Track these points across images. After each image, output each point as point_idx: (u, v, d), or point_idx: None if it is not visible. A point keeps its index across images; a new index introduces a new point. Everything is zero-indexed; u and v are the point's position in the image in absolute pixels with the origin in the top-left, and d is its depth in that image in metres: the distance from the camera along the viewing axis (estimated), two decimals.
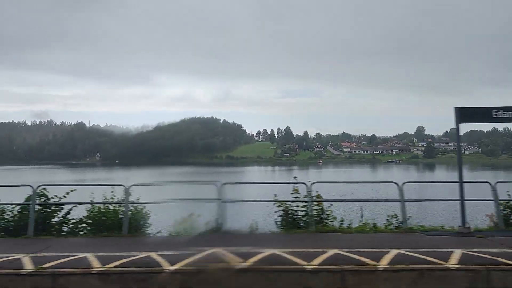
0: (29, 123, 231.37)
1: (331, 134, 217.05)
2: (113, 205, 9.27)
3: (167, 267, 6.00)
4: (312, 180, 9.47)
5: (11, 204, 9.26)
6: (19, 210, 9.33)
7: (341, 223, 9.26)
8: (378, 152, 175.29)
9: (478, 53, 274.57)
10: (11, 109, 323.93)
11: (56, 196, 9.49)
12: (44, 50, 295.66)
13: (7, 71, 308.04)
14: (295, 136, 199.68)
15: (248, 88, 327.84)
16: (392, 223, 9.24)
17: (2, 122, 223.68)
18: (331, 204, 9.57)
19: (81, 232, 9.43)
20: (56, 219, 9.49)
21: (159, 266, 6.05)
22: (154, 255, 6.58)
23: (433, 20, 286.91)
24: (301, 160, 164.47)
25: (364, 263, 5.96)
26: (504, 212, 9.23)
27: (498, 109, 8.30)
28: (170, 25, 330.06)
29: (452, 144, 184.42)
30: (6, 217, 9.23)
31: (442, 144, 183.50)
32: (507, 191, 9.39)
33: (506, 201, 9.31)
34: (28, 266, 6.05)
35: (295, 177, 10.02)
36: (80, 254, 6.70)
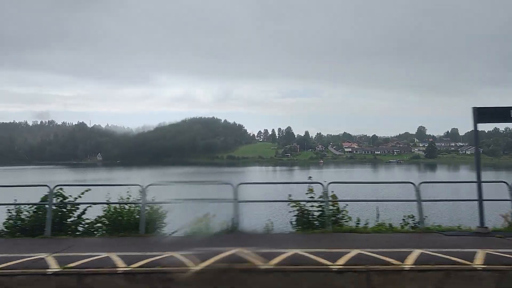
0: (30, 123, 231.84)
1: (332, 134, 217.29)
2: (129, 205, 9.30)
3: (193, 266, 6.00)
4: (327, 180, 9.47)
5: (28, 204, 9.27)
6: (34, 210, 9.36)
7: (357, 223, 9.26)
8: (379, 152, 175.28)
9: (478, 53, 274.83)
10: (12, 109, 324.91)
11: (70, 196, 9.52)
12: (44, 50, 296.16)
13: (7, 71, 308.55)
14: (296, 136, 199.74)
15: (248, 88, 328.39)
16: (408, 223, 9.25)
17: (3, 122, 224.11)
18: (347, 204, 9.58)
19: (96, 232, 9.48)
20: (72, 219, 9.54)
21: (185, 265, 6.05)
22: (177, 255, 6.58)
23: (433, 20, 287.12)
24: (302, 160, 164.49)
25: (389, 263, 5.96)
26: None
27: None
28: (170, 25, 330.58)
29: (453, 144, 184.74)
30: (23, 217, 9.26)
31: (443, 144, 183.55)
32: None
33: None
34: (53, 265, 6.06)
35: (310, 177, 10.00)
36: (103, 254, 6.71)
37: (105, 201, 9.38)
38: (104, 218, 9.31)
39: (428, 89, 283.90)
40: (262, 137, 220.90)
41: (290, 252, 6.64)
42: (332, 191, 9.47)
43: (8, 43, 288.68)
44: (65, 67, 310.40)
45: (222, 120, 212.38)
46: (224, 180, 10.17)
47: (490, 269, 5.72)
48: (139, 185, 9.30)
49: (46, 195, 9.44)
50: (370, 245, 7.04)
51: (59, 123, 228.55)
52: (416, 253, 6.43)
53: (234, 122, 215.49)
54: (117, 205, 9.31)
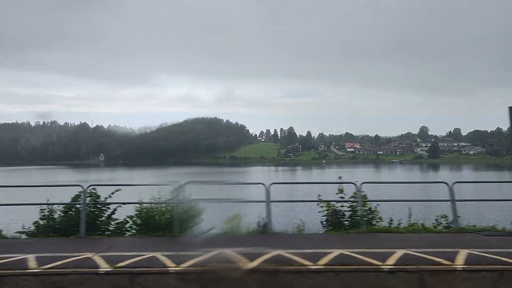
0: (32, 123, 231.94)
1: (334, 134, 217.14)
2: (162, 204, 9.30)
3: (243, 267, 6.00)
4: (360, 180, 9.47)
5: (61, 204, 9.29)
6: (65, 209, 9.37)
7: (390, 223, 9.26)
8: (381, 152, 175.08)
9: (478, 53, 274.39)
10: (15, 109, 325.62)
11: (99, 196, 9.54)
12: (45, 51, 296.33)
13: (9, 71, 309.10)
14: (298, 136, 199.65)
15: (249, 88, 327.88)
16: (441, 223, 9.24)
17: (5, 123, 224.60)
18: (378, 205, 9.58)
19: (127, 232, 9.49)
20: (103, 219, 9.56)
21: (234, 265, 6.04)
22: (223, 254, 6.57)
23: (434, 20, 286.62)
24: (305, 160, 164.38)
25: (439, 263, 5.96)
26: None
27: None
28: (170, 25, 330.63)
29: (456, 144, 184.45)
30: (55, 216, 9.27)
31: (446, 144, 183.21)
32: None
33: None
34: (103, 265, 6.07)
35: (340, 177, 10.01)
36: (147, 253, 6.71)
37: (137, 201, 9.39)
38: (136, 218, 9.32)
39: (428, 89, 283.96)
40: (264, 137, 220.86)
41: (335, 252, 6.63)
42: (363, 191, 9.47)
43: (9, 43, 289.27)
44: (66, 67, 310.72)
45: (224, 120, 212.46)
46: (256, 181, 10.13)
47: None
48: (173, 184, 9.30)
49: (77, 195, 9.47)
50: (413, 245, 7.03)
51: (61, 123, 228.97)
52: (463, 253, 6.43)
53: (236, 122, 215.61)
54: (150, 205, 9.33)
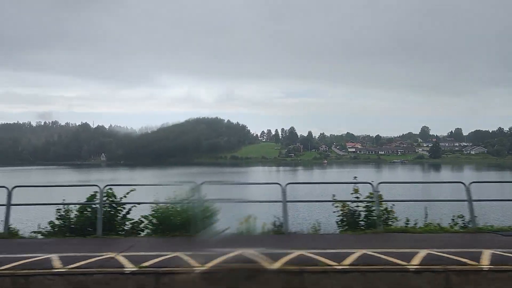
0: (33, 124, 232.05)
1: (335, 135, 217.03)
2: (178, 204, 9.29)
3: (268, 265, 6.00)
4: (376, 180, 9.47)
5: (77, 204, 9.28)
6: (81, 209, 9.37)
7: (407, 223, 9.26)
8: (383, 152, 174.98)
9: (478, 53, 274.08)
10: (16, 110, 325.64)
11: (116, 196, 9.53)
12: (46, 51, 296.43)
13: (10, 72, 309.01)
14: (299, 137, 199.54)
15: (250, 88, 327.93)
16: (457, 223, 9.23)
17: (7, 123, 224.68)
18: (393, 205, 9.56)
19: (142, 232, 9.49)
20: (119, 219, 9.55)
21: (260, 265, 6.04)
22: (245, 254, 6.57)
23: (434, 20, 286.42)
24: (306, 160, 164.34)
25: (465, 264, 5.94)
26: None
27: None
28: (171, 25, 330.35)
29: (457, 144, 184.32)
30: (72, 216, 9.27)
31: (447, 144, 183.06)
32: None
33: None
34: (128, 265, 6.06)
35: (355, 177, 9.99)
36: (170, 253, 6.70)
37: (153, 201, 9.39)
38: (152, 218, 9.32)
39: (429, 89, 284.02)
40: (265, 137, 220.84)
41: (358, 252, 6.63)
42: (379, 191, 9.46)
43: (10, 43, 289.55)
44: (67, 67, 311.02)
45: (226, 120, 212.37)
46: (273, 181, 10.11)
47: None
48: (188, 184, 9.30)
49: (92, 194, 9.47)
50: (434, 245, 7.02)
51: (63, 123, 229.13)
52: (487, 253, 6.41)
53: (237, 122, 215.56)
54: (165, 205, 9.32)
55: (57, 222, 9.30)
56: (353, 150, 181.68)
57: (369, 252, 6.64)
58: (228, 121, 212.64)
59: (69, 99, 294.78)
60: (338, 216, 9.67)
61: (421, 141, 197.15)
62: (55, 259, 6.38)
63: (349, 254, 6.50)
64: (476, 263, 5.93)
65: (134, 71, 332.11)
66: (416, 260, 6.10)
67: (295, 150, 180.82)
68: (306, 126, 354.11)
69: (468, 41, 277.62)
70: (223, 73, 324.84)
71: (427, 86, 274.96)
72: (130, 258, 6.40)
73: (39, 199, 10.85)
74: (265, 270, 5.95)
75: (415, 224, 9.30)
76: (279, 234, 9.07)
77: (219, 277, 5.87)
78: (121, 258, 6.45)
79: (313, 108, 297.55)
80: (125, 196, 9.61)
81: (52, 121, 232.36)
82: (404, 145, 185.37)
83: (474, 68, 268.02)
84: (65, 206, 9.32)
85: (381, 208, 9.33)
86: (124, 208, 9.57)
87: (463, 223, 9.16)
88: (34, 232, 9.37)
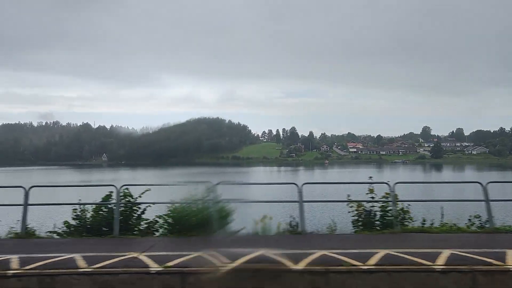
0: (35, 124, 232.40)
1: (336, 135, 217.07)
2: (194, 204, 9.28)
3: (293, 266, 5.99)
4: (392, 180, 9.45)
5: (94, 204, 9.28)
6: (96, 209, 9.37)
7: (423, 223, 9.24)
8: (384, 153, 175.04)
9: (478, 53, 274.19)
10: (17, 110, 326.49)
11: (133, 196, 9.53)
12: (46, 51, 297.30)
13: (10, 72, 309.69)
14: (300, 137, 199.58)
15: (250, 89, 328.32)
16: (474, 223, 9.21)
17: (8, 123, 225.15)
18: (409, 204, 9.55)
19: (156, 232, 9.49)
20: (135, 218, 9.55)
21: (284, 265, 6.04)
22: (269, 254, 6.55)
23: (434, 20, 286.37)
24: (307, 160, 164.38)
25: (490, 264, 5.93)
26: None
27: None
28: (171, 26, 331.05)
29: (458, 144, 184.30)
30: (88, 216, 9.27)
31: (448, 144, 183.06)
32: None
33: None
34: (153, 264, 6.06)
35: (371, 177, 9.97)
36: (192, 253, 6.68)
37: (169, 201, 9.38)
38: (168, 218, 9.31)
39: (429, 89, 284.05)
40: (266, 137, 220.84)
41: (381, 252, 6.61)
42: (394, 191, 9.44)
43: (11, 44, 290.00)
44: (67, 67, 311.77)
45: (227, 121, 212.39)
46: (289, 181, 10.07)
47: None
48: (204, 184, 9.30)
49: (107, 194, 9.48)
50: (456, 245, 6.99)
51: (64, 124, 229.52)
52: (511, 253, 6.40)
53: (238, 122, 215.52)
54: (181, 204, 9.31)
55: (72, 222, 9.32)
56: (355, 150, 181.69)
57: (392, 252, 6.63)
58: (229, 121, 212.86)
59: (70, 99, 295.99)
60: (353, 216, 9.67)
61: (422, 141, 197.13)
62: (79, 259, 6.38)
63: (372, 254, 6.48)
64: (502, 263, 5.91)
65: (135, 71, 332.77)
66: (440, 260, 6.09)
67: (296, 150, 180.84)
68: (307, 126, 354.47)
69: (468, 41, 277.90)
70: (224, 73, 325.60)
71: (428, 86, 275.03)
72: (153, 258, 6.39)
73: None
74: (289, 270, 5.95)
75: (432, 224, 9.29)
76: (296, 234, 9.06)
77: (244, 277, 5.86)
78: (144, 258, 6.45)
79: (314, 108, 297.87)
80: (140, 196, 9.63)
81: (53, 121, 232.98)
82: (406, 145, 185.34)
83: (475, 68, 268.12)
84: (81, 206, 9.33)
85: (398, 208, 9.33)
86: (139, 208, 9.59)
87: (480, 223, 9.14)
88: (49, 232, 9.40)
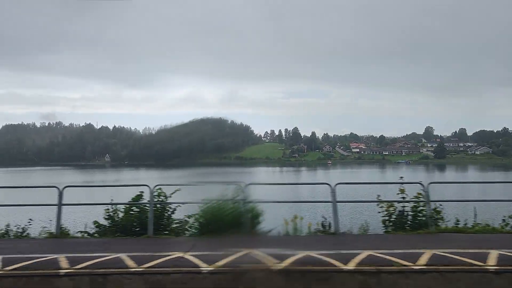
0: (38, 125, 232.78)
1: (339, 135, 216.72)
2: (227, 203, 9.26)
3: (342, 266, 5.96)
4: (425, 181, 9.41)
5: (128, 204, 9.27)
6: (128, 209, 9.36)
7: (457, 223, 9.20)
8: (387, 153, 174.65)
9: (482, 53, 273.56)
10: (20, 110, 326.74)
11: (167, 195, 9.52)
12: (50, 52, 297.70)
13: (14, 73, 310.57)
14: (302, 137, 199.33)
15: (253, 89, 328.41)
16: (508, 223, 9.17)
17: (11, 124, 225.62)
18: (440, 204, 9.51)
19: (187, 232, 9.48)
20: (166, 218, 9.54)
21: (333, 265, 6.01)
22: (314, 254, 6.54)
23: (438, 21, 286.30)
24: (310, 161, 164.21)
25: None
26: None
27: None
28: (175, 27, 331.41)
29: (461, 145, 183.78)
30: (120, 216, 9.26)
31: (451, 145, 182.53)
32: None
33: None
34: (202, 264, 6.04)
35: (402, 177, 9.95)
36: (236, 252, 6.65)
37: (201, 200, 9.36)
38: (200, 217, 9.29)
39: (432, 89, 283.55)
40: (268, 137, 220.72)
41: (427, 252, 6.57)
42: (426, 192, 9.40)
43: (14, 45, 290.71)
44: (70, 68, 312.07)
45: (229, 121, 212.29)
46: (321, 182, 10.05)
47: None
48: (236, 184, 9.28)
49: (138, 195, 9.47)
50: (499, 245, 6.96)
51: (67, 124, 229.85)
52: None
53: (241, 123, 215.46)
54: (213, 204, 9.29)
55: (104, 222, 9.32)
56: (357, 150, 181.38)
57: (438, 252, 6.59)
58: (232, 121, 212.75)
59: (73, 100, 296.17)
60: (383, 216, 9.63)
61: (425, 141, 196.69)
62: (126, 259, 6.36)
63: (419, 254, 6.45)
64: None
65: (138, 72, 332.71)
66: (491, 261, 6.05)
67: (299, 151, 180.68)
68: (309, 126, 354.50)
69: (471, 41, 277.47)
70: (226, 74, 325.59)
71: (430, 86, 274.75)
72: (200, 258, 6.37)
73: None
74: (340, 270, 5.92)
75: (465, 224, 9.25)
76: (329, 235, 9.03)
77: (296, 277, 5.84)
78: (190, 258, 6.43)
79: (316, 108, 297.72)
80: (170, 196, 9.62)
81: (56, 122, 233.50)
82: (408, 146, 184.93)
83: (478, 67, 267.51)
84: (113, 206, 9.32)
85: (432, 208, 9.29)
86: (170, 207, 9.58)
87: None
88: (80, 231, 9.40)
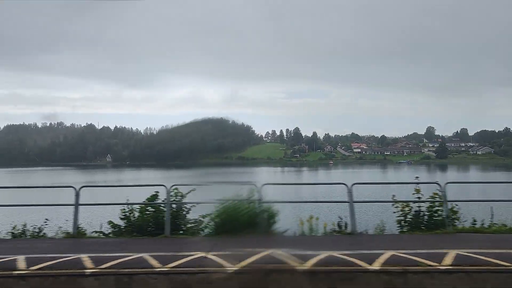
0: (39, 125, 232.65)
1: (340, 135, 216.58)
2: (243, 203, 9.24)
3: (367, 266, 5.95)
4: (443, 181, 9.40)
5: (142, 204, 9.26)
6: (144, 209, 9.35)
7: (474, 223, 9.18)
8: (388, 153, 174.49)
9: (483, 53, 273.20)
10: (21, 111, 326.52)
11: (183, 195, 9.51)
12: (51, 53, 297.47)
13: (15, 73, 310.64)
14: (303, 137, 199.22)
15: (254, 89, 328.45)
16: None
17: (12, 124, 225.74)
18: (457, 205, 9.48)
19: (202, 231, 9.47)
20: (181, 218, 9.53)
21: (358, 265, 6.00)
22: (336, 254, 6.53)
23: (438, 21, 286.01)
24: (311, 161, 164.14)
25: None
26: None
27: None
28: (176, 27, 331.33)
29: (463, 145, 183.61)
30: (136, 216, 9.25)
31: (453, 145, 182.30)
32: None
33: None
34: (227, 264, 6.02)
35: (417, 177, 9.93)
36: (258, 252, 6.63)
37: (218, 200, 9.34)
38: (215, 217, 9.27)
39: (433, 89, 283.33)
40: (270, 138, 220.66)
41: (451, 252, 6.55)
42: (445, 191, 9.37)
43: (15, 45, 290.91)
44: (71, 69, 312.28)
45: (230, 121, 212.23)
46: (338, 182, 10.04)
47: None
48: (251, 184, 9.27)
49: (153, 195, 9.46)
50: None
51: (68, 124, 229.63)
52: None
53: (242, 123, 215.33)
54: (230, 204, 9.27)
55: (120, 222, 9.31)
56: (359, 150, 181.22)
57: (461, 252, 6.57)
58: (233, 121, 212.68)
59: (74, 100, 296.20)
60: (398, 216, 9.61)
61: (426, 141, 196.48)
62: (149, 259, 6.35)
63: (443, 254, 6.43)
64: None
65: (139, 72, 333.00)
66: None
67: (300, 151, 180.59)
68: (311, 126, 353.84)
69: (472, 41, 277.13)
70: (227, 74, 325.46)
71: (430, 86, 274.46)
72: (223, 258, 6.35)
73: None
74: (366, 271, 5.90)
75: (482, 224, 9.23)
76: (346, 235, 9.01)
77: (321, 277, 5.82)
78: (214, 257, 6.42)
79: (317, 108, 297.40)
80: (185, 196, 9.61)
81: (57, 122, 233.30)
82: (410, 146, 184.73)
83: (479, 67, 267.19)
84: (129, 206, 9.31)
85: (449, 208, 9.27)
86: (186, 207, 9.57)
87: None
88: (95, 231, 9.39)
